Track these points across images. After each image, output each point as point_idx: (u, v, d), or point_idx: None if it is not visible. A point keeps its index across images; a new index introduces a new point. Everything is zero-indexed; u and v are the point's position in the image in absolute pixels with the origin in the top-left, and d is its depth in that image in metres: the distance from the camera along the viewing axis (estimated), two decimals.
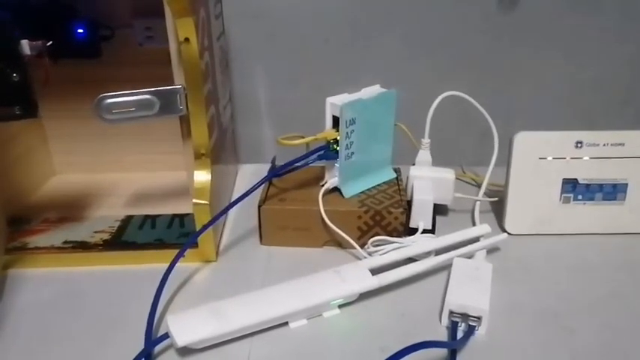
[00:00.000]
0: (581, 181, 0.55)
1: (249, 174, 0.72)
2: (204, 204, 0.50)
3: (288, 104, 0.82)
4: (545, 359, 0.41)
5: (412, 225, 0.55)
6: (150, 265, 0.51)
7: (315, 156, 0.54)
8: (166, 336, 0.41)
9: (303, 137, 0.53)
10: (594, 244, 0.55)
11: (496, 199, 0.61)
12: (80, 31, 0.59)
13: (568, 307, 0.46)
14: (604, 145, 0.54)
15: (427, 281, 0.49)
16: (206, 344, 0.42)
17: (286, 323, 0.44)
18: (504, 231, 0.56)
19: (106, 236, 0.55)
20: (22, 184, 0.63)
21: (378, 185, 0.58)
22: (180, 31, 0.45)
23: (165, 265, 0.48)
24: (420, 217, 0.54)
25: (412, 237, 0.53)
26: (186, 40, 0.46)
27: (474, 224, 0.59)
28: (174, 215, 0.58)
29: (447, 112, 0.59)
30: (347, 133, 0.52)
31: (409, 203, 0.55)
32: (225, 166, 0.62)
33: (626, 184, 0.55)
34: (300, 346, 0.42)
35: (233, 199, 0.53)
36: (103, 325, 0.45)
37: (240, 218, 0.61)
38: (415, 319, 0.45)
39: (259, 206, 0.54)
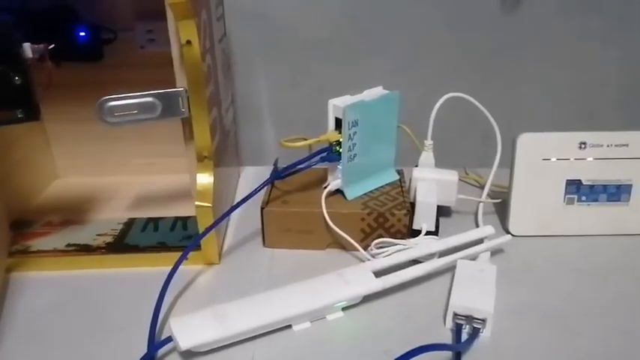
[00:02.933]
0: (585, 182, 0.55)
1: (251, 176, 0.72)
2: (206, 206, 0.50)
3: (291, 106, 0.82)
4: None
5: (415, 227, 0.54)
6: (153, 268, 0.51)
7: (317, 158, 0.54)
8: (169, 339, 0.41)
9: (305, 139, 0.53)
10: (598, 245, 0.55)
11: (499, 200, 0.61)
12: (82, 34, 0.59)
13: (573, 309, 0.46)
14: (608, 145, 0.54)
15: (431, 283, 0.49)
16: (209, 347, 0.41)
17: (290, 326, 0.44)
18: (508, 232, 0.56)
19: (108, 239, 0.55)
20: (25, 187, 0.63)
21: (381, 187, 0.58)
22: (182, 33, 0.45)
23: (168, 268, 0.48)
24: (424, 219, 0.54)
25: (415, 239, 0.53)
26: (188, 42, 0.45)
27: (477, 226, 0.58)
28: (177, 218, 0.58)
29: (450, 114, 0.59)
30: (350, 134, 0.52)
31: (412, 205, 0.55)
32: (227, 168, 0.62)
33: (631, 185, 0.55)
34: (304, 349, 0.42)
35: (236, 202, 0.53)
36: (105, 328, 0.45)
37: (243, 221, 0.61)
38: (419, 322, 0.45)
39: (262, 208, 0.54)
